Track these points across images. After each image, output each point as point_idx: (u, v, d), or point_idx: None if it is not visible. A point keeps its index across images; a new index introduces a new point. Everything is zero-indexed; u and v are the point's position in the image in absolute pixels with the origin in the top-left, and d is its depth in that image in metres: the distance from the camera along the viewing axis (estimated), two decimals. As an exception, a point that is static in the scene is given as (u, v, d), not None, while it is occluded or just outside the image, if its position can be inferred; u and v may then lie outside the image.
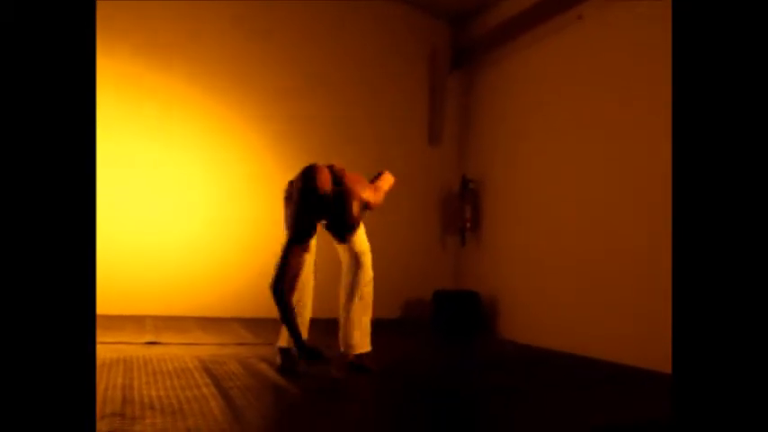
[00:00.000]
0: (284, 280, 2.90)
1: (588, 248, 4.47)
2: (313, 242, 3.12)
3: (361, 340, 3.19)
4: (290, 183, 3.21)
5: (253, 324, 4.85)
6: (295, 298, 3.02)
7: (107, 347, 3.48)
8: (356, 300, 3.19)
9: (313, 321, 3.25)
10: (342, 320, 3.21)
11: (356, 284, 3.19)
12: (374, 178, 3.44)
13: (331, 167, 3.10)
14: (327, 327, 3.39)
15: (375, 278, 3.27)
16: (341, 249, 3.24)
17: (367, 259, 3.22)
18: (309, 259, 3.13)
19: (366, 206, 3.14)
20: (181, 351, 3.54)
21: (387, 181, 3.46)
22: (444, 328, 5.35)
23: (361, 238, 3.24)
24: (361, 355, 3.18)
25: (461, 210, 6.00)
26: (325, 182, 2.97)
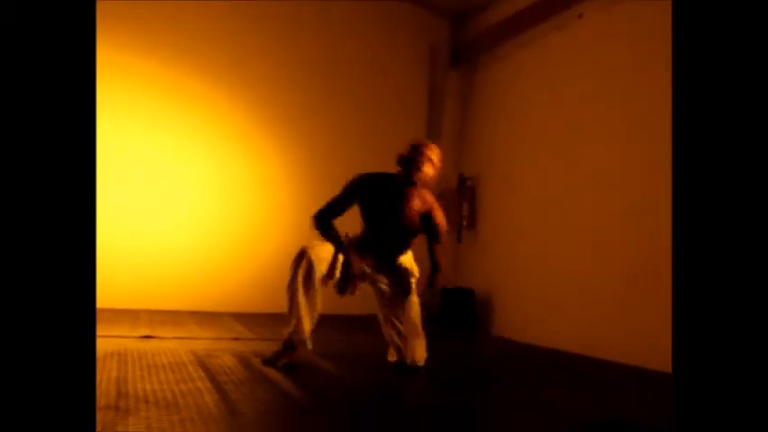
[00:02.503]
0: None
1: (585, 247, 4.48)
2: None
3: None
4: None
5: (248, 319, 4.84)
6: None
7: (102, 341, 3.47)
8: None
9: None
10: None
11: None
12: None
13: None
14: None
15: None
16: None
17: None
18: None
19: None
20: (175, 345, 3.53)
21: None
22: (440, 325, 5.35)
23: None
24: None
25: (458, 207, 6.00)
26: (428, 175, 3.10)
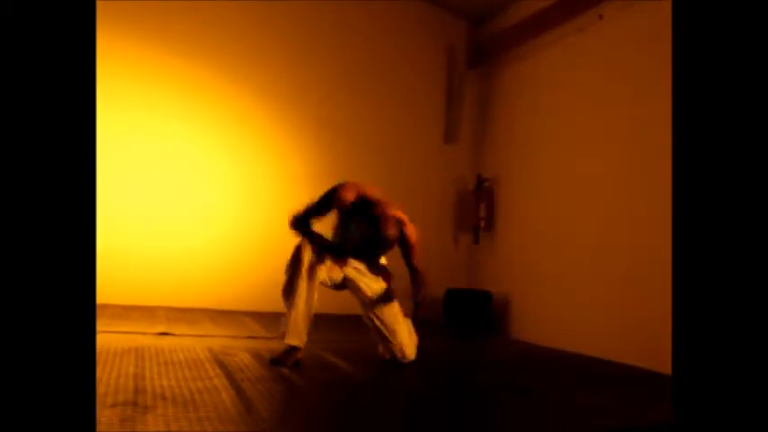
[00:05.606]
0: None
1: (602, 250, 4.43)
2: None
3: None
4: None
5: (265, 318, 4.84)
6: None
7: (119, 337, 3.49)
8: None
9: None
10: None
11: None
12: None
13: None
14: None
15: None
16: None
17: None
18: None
19: (401, 234, 3.13)
20: (192, 342, 3.54)
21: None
22: (456, 327, 5.33)
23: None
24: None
25: (476, 208, 5.97)
26: (349, 192, 3.06)
